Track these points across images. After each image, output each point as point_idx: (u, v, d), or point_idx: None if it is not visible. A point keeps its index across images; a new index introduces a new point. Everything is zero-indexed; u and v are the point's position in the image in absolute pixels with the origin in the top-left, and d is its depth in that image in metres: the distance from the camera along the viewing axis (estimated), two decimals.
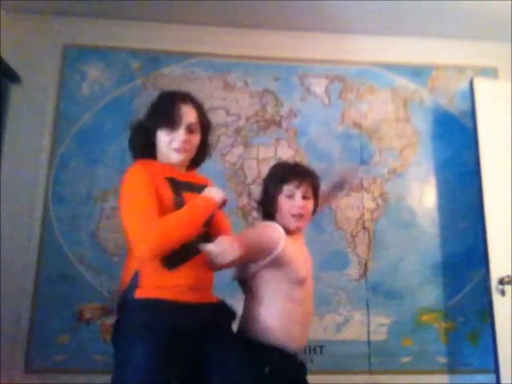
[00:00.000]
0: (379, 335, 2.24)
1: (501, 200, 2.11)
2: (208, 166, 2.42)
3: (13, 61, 2.23)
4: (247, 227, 2.30)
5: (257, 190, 2.34)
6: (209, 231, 1.34)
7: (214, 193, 1.31)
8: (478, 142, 2.15)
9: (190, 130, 1.34)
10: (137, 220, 1.19)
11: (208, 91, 2.41)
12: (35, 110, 2.32)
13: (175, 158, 1.34)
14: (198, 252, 1.21)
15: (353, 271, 2.30)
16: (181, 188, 1.31)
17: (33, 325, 2.11)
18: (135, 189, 1.24)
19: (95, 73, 2.40)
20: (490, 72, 2.55)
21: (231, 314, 1.38)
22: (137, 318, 1.19)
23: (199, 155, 1.43)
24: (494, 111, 2.18)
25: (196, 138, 1.37)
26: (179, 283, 1.24)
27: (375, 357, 2.22)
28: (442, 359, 2.24)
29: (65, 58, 2.40)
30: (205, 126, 1.42)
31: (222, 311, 1.35)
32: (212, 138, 2.33)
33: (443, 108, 2.51)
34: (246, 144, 2.39)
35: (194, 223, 1.24)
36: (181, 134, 1.32)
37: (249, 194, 2.33)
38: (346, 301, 2.26)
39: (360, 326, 2.25)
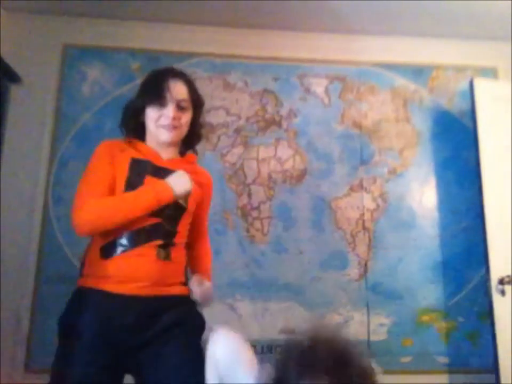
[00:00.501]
0: (379, 335, 2.24)
1: (501, 200, 2.11)
2: (208, 166, 2.42)
3: (13, 61, 2.23)
4: (247, 227, 2.30)
5: (257, 190, 2.36)
6: (164, 222, 1.24)
7: (175, 183, 1.22)
8: (478, 142, 2.14)
9: (180, 107, 1.28)
10: (82, 191, 1.24)
11: (208, 91, 2.40)
12: (35, 110, 2.32)
13: (164, 136, 1.27)
14: (144, 241, 1.19)
15: (353, 271, 2.30)
16: (149, 171, 1.24)
17: (33, 325, 2.11)
18: (91, 163, 1.26)
19: (95, 73, 2.40)
20: (490, 72, 2.55)
21: (184, 308, 1.26)
22: (70, 308, 1.21)
23: (191, 135, 1.37)
24: (494, 111, 2.18)
25: (187, 116, 1.30)
26: (112, 273, 1.18)
27: (375, 357, 2.22)
28: (443, 359, 2.24)
29: (65, 58, 2.40)
30: (196, 104, 1.35)
31: (169, 303, 1.22)
32: (212, 137, 2.36)
33: (443, 107, 2.51)
34: (246, 144, 2.39)
35: (135, 210, 1.18)
36: (169, 110, 1.26)
37: (249, 194, 2.33)
38: (346, 301, 2.26)
39: (360, 326, 2.25)
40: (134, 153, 1.26)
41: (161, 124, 1.27)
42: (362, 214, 2.35)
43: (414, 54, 2.54)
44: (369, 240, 2.33)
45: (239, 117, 2.41)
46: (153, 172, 1.24)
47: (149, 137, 1.32)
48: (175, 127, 1.28)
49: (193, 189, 1.27)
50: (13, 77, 2.26)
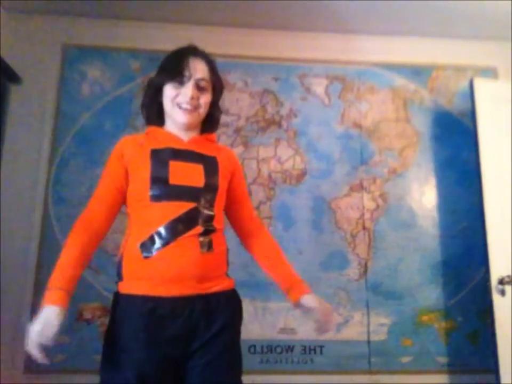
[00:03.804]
0: (379, 335, 2.24)
1: (501, 200, 2.11)
2: None
3: (13, 61, 2.23)
4: None
5: (257, 190, 2.36)
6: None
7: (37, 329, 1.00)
8: (478, 142, 2.14)
9: (199, 87, 1.19)
10: (92, 197, 1.20)
11: None
12: (35, 110, 2.32)
13: (180, 117, 1.19)
14: (184, 231, 1.10)
15: (353, 271, 2.30)
16: (172, 156, 1.16)
17: None
18: (105, 168, 1.24)
19: (95, 73, 2.40)
20: (490, 72, 2.55)
21: (234, 305, 1.21)
22: (114, 317, 1.10)
23: (210, 119, 1.27)
24: (494, 111, 2.18)
25: (206, 98, 1.21)
26: (155, 274, 1.08)
27: (375, 357, 2.22)
28: (442, 359, 2.24)
29: (65, 58, 2.40)
30: (216, 86, 1.26)
31: (220, 304, 1.14)
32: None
33: (443, 107, 2.51)
34: (246, 144, 2.39)
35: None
36: (188, 89, 1.17)
37: (249, 194, 2.33)
38: (346, 301, 2.26)
39: (360, 326, 2.25)
40: (153, 144, 1.19)
41: (178, 103, 1.18)
42: (362, 214, 2.35)
43: (414, 54, 2.54)
44: (369, 240, 2.33)
45: (239, 117, 2.41)
46: (176, 156, 1.17)
47: (168, 121, 1.24)
48: (193, 108, 1.19)
49: (220, 165, 1.21)
50: (13, 77, 2.27)
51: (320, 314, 1.18)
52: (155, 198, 1.12)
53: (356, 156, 2.42)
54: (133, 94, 2.37)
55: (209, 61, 1.26)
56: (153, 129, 1.25)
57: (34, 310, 2.12)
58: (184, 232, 1.10)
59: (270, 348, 2.18)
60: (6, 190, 2.19)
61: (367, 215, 2.35)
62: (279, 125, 2.42)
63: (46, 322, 1.01)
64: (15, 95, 2.30)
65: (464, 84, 2.44)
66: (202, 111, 1.22)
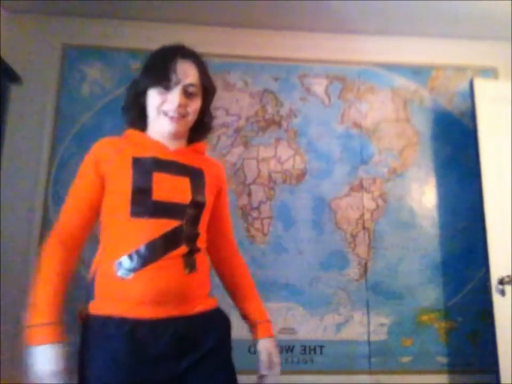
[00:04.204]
0: (379, 335, 2.24)
1: (501, 200, 2.11)
2: None
3: (13, 61, 2.23)
4: (247, 227, 2.30)
5: (257, 190, 2.36)
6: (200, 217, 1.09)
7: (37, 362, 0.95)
8: (478, 142, 2.14)
9: (187, 93, 1.08)
10: (64, 207, 1.10)
11: None
12: (35, 110, 2.32)
13: (167, 126, 1.07)
14: (167, 251, 1.00)
15: (353, 271, 2.30)
16: (156, 167, 1.05)
17: None
18: (79, 170, 1.14)
19: (95, 73, 2.40)
20: (490, 72, 2.55)
21: (221, 324, 1.13)
22: (86, 341, 1.03)
23: (199, 126, 1.17)
24: (494, 111, 2.18)
25: (195, 104, 1.11)
26: (133, 294, 0.97)
27: (375, 357, 2.22)
28: (442, 359, 2.24)
29: (65, 58, 2.40)
30: (207, 90, 1.16)
31: (205, 324, 1.05)
32: (212, 137, 2.36)
33: (443, 108, 2.51)
34: (246, 144, 2.39)
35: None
36: (175, 95, 1.06)
37: (249, 194, 2.33)
38: (346, 301, 2.26)
39: (360, 326, 2.25)
40: (134, 151, 1.07)
41: (164, 110, 1.07)
42: (362, 214, 2.35)
43: (414, 54, 2.54)
44: (369, 240, 2.33)
45: (239, 117, 2.41)
46: (160, 167, 1.06)
47: (151, 126, 1.12)
48: (180, 116, 1.08)
49: (207, 179, 1.12)
50: (13, 77, 2.26)
51: (263, 366, 1.16)
52: (136, 213, 1.01)
53: (356, 156, 2.42)
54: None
55: (199, 62, 1.16)
56: (135, 133, 1.13)
57: None
58: (166, 252, 1.00)
59: None
60: (6, 190, 2.19)
61: (367, 215, 2.35)
62: (279, 125, 2.42)
63: (47, 362, 0.95)
64: (15, 95, 2.30)
65: (464, 84, 2.44)
66: (191, 118, 1.11)
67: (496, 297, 2.00)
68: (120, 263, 0.99)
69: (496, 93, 2.22)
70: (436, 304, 2.29)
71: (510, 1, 2.17)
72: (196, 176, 1.10)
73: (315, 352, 2.20)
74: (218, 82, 2.42)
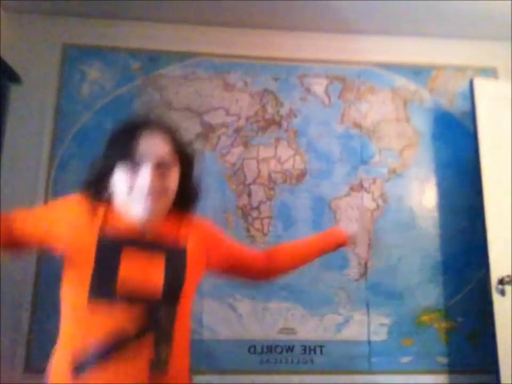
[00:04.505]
0: (379, 335, 2.24)
1: (501, 200, 2.11)
2: (208, 166, 2.42)
3: (13, 61, 2.23)
4: (247, 227, 2.30)
5: (257, 190, 2.36)
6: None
7: None
8: (478, 142, 2.15)
9: (160, 169, 0.95)
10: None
11: (208, 91, 2.41)
12: (35, 110, 2.32)
13: (139, 214, 0.94)
14: (131, 344, 0.87)
15: (353, 271, 2.30)
16: (126, 243, 0.93)
17: (33, 325, 2.11)
18: (50, 203, 1.00)
19: (95, 73, 2.40)
20: (490, 72, 2.55)
21: None
22: None
23: (184, 197, 1.04)
24: (494, 111, 2.18)
25: (172, 179, 0.98)
26: None
27: (375, 357, 2.22)
28: (443, 359, 2.24)
29: (65, 58, 2.40)
30: (185, 158, 1.03)
31: None
32: (212, 137, 2.36)
33: (443, 108, 2.51)
34: (246, 144, 2.39)
35: None
36: (145, 175, 0.93)
37: (249, 194, 2.33)
38: (346, 301, 2.26)
39: (360, 326, 2.25)
40: (103, 226, 0.94)
41: (134, 195, 0.93)
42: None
43: (414, 54, 2.55)
44: (369, 240, 2.33)
45: (239, 117, 2.41)
46: (130, 248, 0.93)
47: (123, 207, 0.98)
48: (155, 199, 0.94)
49: (189, 255, 0.99)
50: (13, 77, 2.26)
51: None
52: (96, 299, 0.88)
53: (356, 156, 2.42)
54: (133, 94, 2.38)
55: (168, 131, 1.02)
56: (103, 207, 0.98)
57: (34, 309, 2.13)
58: (130, 345, 0.87)
59: (270, 348, 2.18)
60: (6, 190, 2.19)
61: (367, 215, 2.35)
62: (279, 125, 2.42)
63: None
64: (15, 95, 2.30)
65: (464, 83, 2.44)
66: (170, 193, 0.98)
67: (496, 297, 2.00)
68: (74, 357, 0.87)
69: (496, 93, 2.22)
70: (436, 304, 2.29)
71: (510, 1, 2.17)
72: (173, 255, 0.97)
73: (315, 352, 2.20)
74: (218, 82, 2.44)
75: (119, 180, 0.95)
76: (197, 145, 2.34)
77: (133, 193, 0.94)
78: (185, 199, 1.05)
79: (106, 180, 0.98)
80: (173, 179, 0.99)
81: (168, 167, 0.97)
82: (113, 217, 0.97)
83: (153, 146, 0.96)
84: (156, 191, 0.94)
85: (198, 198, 1.08)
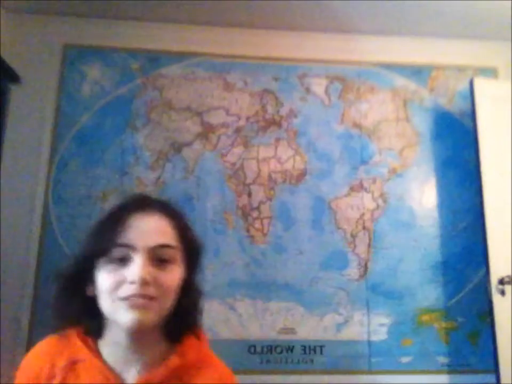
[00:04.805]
0: (379, 335, 2.24)
1: (501, 200, 2.11)
2: (208, 166, 2.43)
3: (13, 61, 2.23)
4: (247, 227, 2.30)
5: (257, 190, 2.36)
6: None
7: None
8: (478, 142, 2.15)
9: (157, 260, 0.71)
10: None
11: (208, 91, 2.41)
12: (35, 110, 2.32)
13: (126, 319, 0.68)
14: None
15: (353, 271, 2.29)
16: None
17: (33, 325, 2.11)
18: None
19: (95, 73, 2.40)
20: (490, 72, 2.55)
21: None
22: None
23: (182, 314, 0.76)
24: (494, 111, 2.18)
25: (172, 276, 0.72)
26: None
27: (375, 357, 2.22)
28: (443, 359, 2.24)
29: (65, 58, 2.40)
30: (191, 249, 0.77)
31: None
32: (212, 137, 2.36)
33: (443, 107, 2.51)
34: (246, 144, 2.39)
35: None
36: (136, 267, 0.69)
37: (249, 194, 2.33)
38: (346, 301, 2.26)
39: (360, 326, 2.25)
40: (71, 378, 0.72)
41: (120, 297, 0.69)
42: (362, 214, 2.35)
43: (414, 54, 2.54)
44: (369, 240, 2.33)
45: (239, 117, 2.41)
46: None
47: (106, 332, 0.74)
48: (147, 299, 0.69)
49: None
50: (13, 77, 2.26)
51: None
52: None
53: (356, 156, 2.42)
54: (133, 94, 2.38)
55: (171, 212, 0.77)
56: (76, 346, 0.74)
57: (34, 309, 2.13)
58: None
59: (270, 348, 2.18)
60: (6, 190, 2.19)
61: (367, 215, 2.35)
62: (279, 125, 2.42)
63: None
64: (15, 95, 2.30)
65: (464, 83, 2.44)
66: (167, 301, 0.72)
67: (496, 297, 2.00)
68: None
69: (496, 93, 2.22)
70: (436, 304, 2.29)
71: (510, 1, 2.17)
72: None
73: (315, 352, 2.20)
74: (218, 82, 2.44)
75: (103, 277, 0.70)
76: (197, 145, 2.35)
77: (117, 294, 0.69)
78: (182, 318, 0.75)
79: (83, 289, 0.74)
80: (172, 280, 0.72)
81: (168, 263, 0.72)
82: (86, 370, 0.72)
83: (151, 228, 0.73)
84: (145, 295, 0.69)
85: (199, 317, 0.80)
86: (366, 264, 2.31)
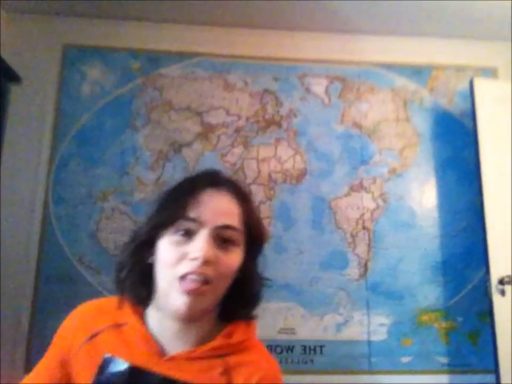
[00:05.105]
0: (379, 335, 2.24)
1: (501, 200, 2.11)
2: (208, 166, 2.41)
3: (13, 61, 2.23)
4: None
5: (257, 190, 2.36)
6: None
7: None
8: (478, 142, 2.15)
9: (219, 240, 0.71)
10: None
11: (208, 91, 2.41)
12: (35, 110, 2.32)
13: (177, 303, 0.68)
14: None
15: (353, 271, 2.30)
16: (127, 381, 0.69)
17: (33, 325, 2.11)
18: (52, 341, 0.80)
19: (95, 73, 2.40)
20: (490, 72, 2.55)
21: None
22: None
23: (240, 293, 0.76)
24: (494, 111, 2.18)
25: (232, 259, 0.72)
26: None
27: (375, 357, 2.22)
28: (443, 359, 2.24)
29: (65, 58, 2.40)
30: (254, 235, 0.77)
31: None
32: (212, 137, 2.36)
33: (443, 108, 2.51)
34: (246, 144, 2.39)
35: None
36: (200, 244, 0.68)
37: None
38: (346, 301, 2.26)
39: (360, 326, 2.25)
40: (113, 344, 0.72)
41: (178, 275, 0.68)
42: (362, 214, 2.35)
43: (414, 54, 2.54)
44: (369, 240, 2.33)
45: (239, 117, 2.41)
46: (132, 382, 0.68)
47: (155, 303, 0.74)
48: (203, 281, 0.68)
49: None
50: (13, 77, 2.26)
51: None
52: None
53: (356, 156, 2.42)
54: (133, 94, 2.38)
55: (240, 193, 0.76)
56: (125, 313, 0.74)
57: (34, 309, 2.13)
58: None
59: (270, 348, 2.18)
60: (6, 190, 2.19)
61: (367, 215, 2.35)
62: (279, 125, 2.42)
63: None
64: (15, 95, 2.30)
65: (464, 83, 2.44)
66: (224, 283, 0.72)
67: (496, 297, 2.00)
68: None
69: (496, 93, 2.22)
70: (436, 304, 2.29)
71: (510, 1, 2.17)
72: None
73: (315, 352, 2.20)
74: (218, 82, 2.44)
75: (165, 249, 0.70)
76: (197, 145, 2.35)
77: (177, 269, 0.68)
78: (241, 298, 0.76)
79: (142, 264, 0.73)
80: (231, 263, 0.71)
81: (230, 245, 0.72)
82: (129, 337, 0.72)
83: (218, 206, 0.72)
84: (206, 275, 0.68)
85: (256, 303, 0.81)
86: (366, 264, 2.31)
